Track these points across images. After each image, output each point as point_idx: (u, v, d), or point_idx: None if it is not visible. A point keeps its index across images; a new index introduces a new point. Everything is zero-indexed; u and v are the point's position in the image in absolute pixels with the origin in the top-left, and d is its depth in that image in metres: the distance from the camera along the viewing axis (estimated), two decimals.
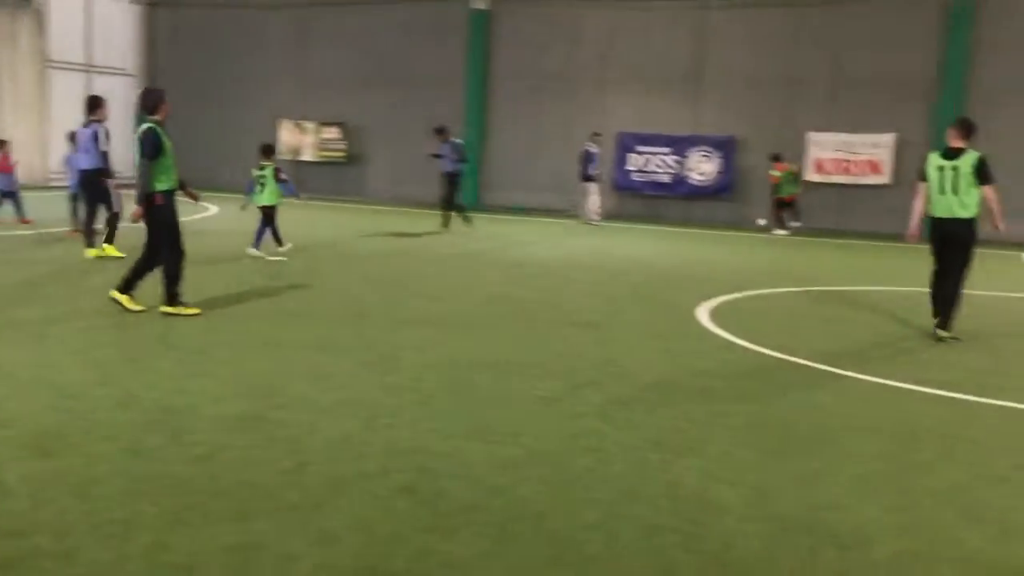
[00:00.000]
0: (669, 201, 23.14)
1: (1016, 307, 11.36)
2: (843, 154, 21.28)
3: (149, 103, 8.77)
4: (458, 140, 18.48)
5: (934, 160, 9.06)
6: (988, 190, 8.83)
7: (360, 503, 4.38)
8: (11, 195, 15.92)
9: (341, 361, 7.20)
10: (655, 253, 16.05)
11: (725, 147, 22.20)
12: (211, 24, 27.95)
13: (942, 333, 9.01)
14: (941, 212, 8.96)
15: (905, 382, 7.23)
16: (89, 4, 26.99)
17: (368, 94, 25.95)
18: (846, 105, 21.28)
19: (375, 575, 3.67)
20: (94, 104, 12.59)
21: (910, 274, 14.23)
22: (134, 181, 8.80)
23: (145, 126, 8.61)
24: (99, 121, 12.43)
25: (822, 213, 21.75)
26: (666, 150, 22.77)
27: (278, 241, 13.37)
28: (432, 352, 7.63)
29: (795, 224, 20.87)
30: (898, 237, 20.06)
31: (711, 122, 22.50)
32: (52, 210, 17.34)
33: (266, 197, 13.29)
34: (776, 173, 20.43)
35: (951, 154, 8.95)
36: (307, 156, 26.48)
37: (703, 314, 9.92)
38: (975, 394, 6.95)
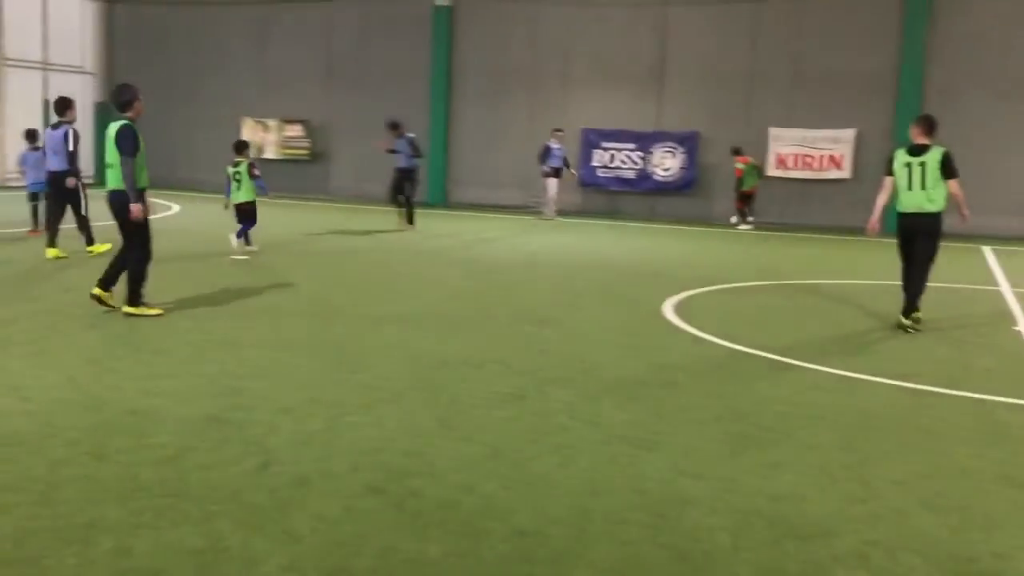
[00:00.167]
0: (633, 197, 23.23)
1: (976, 298, 11.54)
2: (804, 149, 21.48)
3: (122, 100, 8.64)
4: (412, 135, 18.17)
5: (901, 157, 9.24)
6: (954, 184, 9.03)
7: (325, 503, 4.36)
8: None
9: (305, 360, 7.16)
10: (620, 249, 16.12)
11: (688, 142, 22.33)
12: (170, 21, 27.64)
13: (905, 321, 9.18)
14: (910, 207, 9.14)
15: (866, 373, 7.32)
16: (45, 1, 26.57)
17: (331, 91, 25.81)
18: (807, 100, 21.48)
19: (340, 574, 3.66)
20: (64, 105, 12.47)
21: (871, 267, 14.42)
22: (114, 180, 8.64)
23: (121, 123, 8.49)
24: (69, 122, 12.36)
25: (784, 208, 21.94)
26: (630, 146, 22.86)
27: (246, 240, 13.37)
28: (398, 350, 7.61)
29: (750, 219, 21.02)
30: (859, 231, 20.35)
31: (674, 118, 22.61)
32: (9, 210, 17.09)
33: (244, 194, 13.31)
34: (740, 166, 20.58)
35: (917, 150, 9.14)
36: (270, 154, 26.26)
37: (668, 309, 9.98)
38: (935, 385, 7.05)
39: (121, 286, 8.68)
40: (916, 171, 9.06)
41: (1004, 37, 19.91)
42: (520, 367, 7.19)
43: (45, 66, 26.67)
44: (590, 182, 23.35)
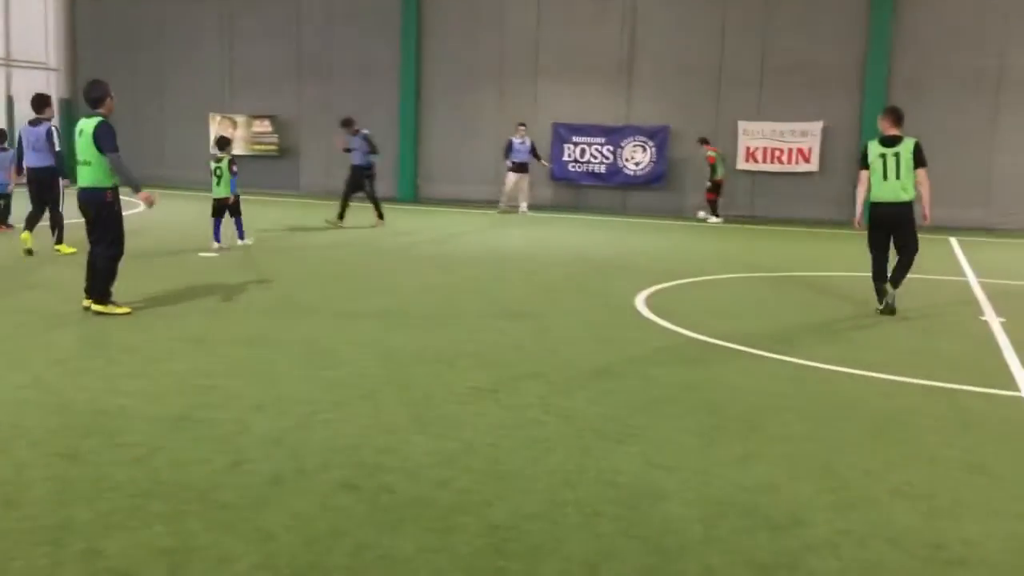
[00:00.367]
0: (604, 191, 23.26)
1: (943, 289, 11.67)
2: (773, 142, 21.61)
3: (94, 96, 8.54)
4: (367, 131, 17.88)
5: (875, 148, 9.52)
6: (923, 172, 9.38)
7: (298, 500, 4.34)
8: None
9: (276, 357, 7.12)
10: (591, 243, 16.15)
11: (658, 136, 22.39)
12: (135, 16, 27.31)
13: (890, 290, 9.57)
14: (887, 197, 9.41)
15: (836, 364, 7.39)
16: None
17: (299, 86, 25.63)
18: (775, 94, 21.59)
19: (314, 572, 3.65)
20: (42, 102, 12.42)
21: (840, 259, 14.55)
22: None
23: (98, 120, 8.38)
24: (47, 119, 12.29)
25: (753, 201, 22.06)
26: (600, 140, 22.88)
27: (215, 238, 13.42)
28: (370, 346, 7.59)
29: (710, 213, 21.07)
30: (827, 223, 20.54)
31: (644, 112, 22.66)
32: None
33: (222, 189, 13.49)
34: (711, 153, 20.62)
35: (889, 142, 9.45)
36: (238, 150, 25.94)
37: (640, 302, 10.01)
38: (904, 374, 7.13)
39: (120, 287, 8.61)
40: (891, 161, 9.35)
41: (969, 30, 20.11)
42: (493, 362, 7.19)
43: (8, 62, 26.29)
44: (561, 176, 23.35)
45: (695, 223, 20.57)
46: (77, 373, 6.49)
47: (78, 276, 8.83)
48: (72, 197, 9.12)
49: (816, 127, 21.15)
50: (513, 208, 21.53)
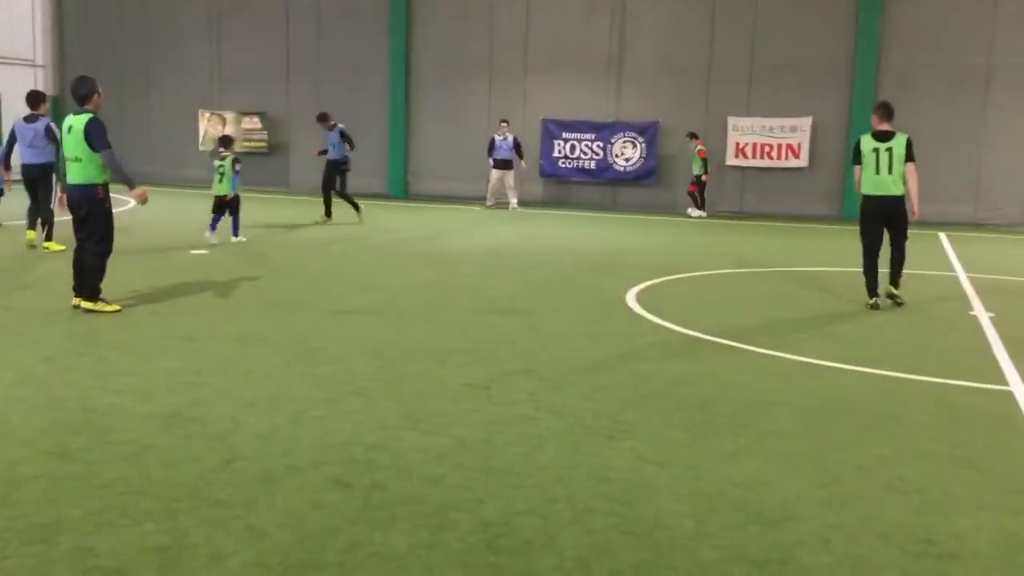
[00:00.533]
0: (594, 187, 23.27)
1: (933, 284, 11.71)
2: (762, 138, 21.64)
3: (81, 93, 8.50)
4: (342, 126, 17.69)
5: (868, 143, 9.77)
6: (912, 167, 9.67)
7: (290, 498, 4.33)
8: None
9: (268, 354, 7.10)
10: (582, 239, 16.15)
11: (648, 132, 22.40)
12: (123, 12, 27.19)
13: (895, 291, 9.92)
14: (879, 191, 9.69)
15: (827, 360, 7.41)
16: None
17: (288, 83, 25.56)
18: (764, 90, 21.62)
19: (306, 569, 3.64)
20: (37, 99, 12.41)
21: (830, 255, 14.59)
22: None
23: (88, 117, 8.35)
24: (43, 116, 12.27)
25: (743, 197, 22.10)
26: (590, 136, 22.89)
27: (212, 227, 13.70)
28: (360, 343, 7.58)
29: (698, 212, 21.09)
30: (817, 219, 20.59)
31: (633, 108, 22.67)
32: None
33: (224, 186, 13.77)
34: (702, 147, 20.61)
35: (882, 136, 9.72)
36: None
37: (631, 298, 10.02)
38: (895, 370, 7.15)
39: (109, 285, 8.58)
40: (884, 156, 9.63)
41: (957, 26, 20.18)
42: (484, 358, 7.18)
43: None
44: (551, 173, 23.36)
45: (685, 219, 20.57)
46: (67, 371, 6.46)
47: (68, 274, 8.79)
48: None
49: (805, 123, 21.19)
50: (503, 204, 21.53)
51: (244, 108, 25.82)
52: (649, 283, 11.12)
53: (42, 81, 27.13)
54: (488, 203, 21.74)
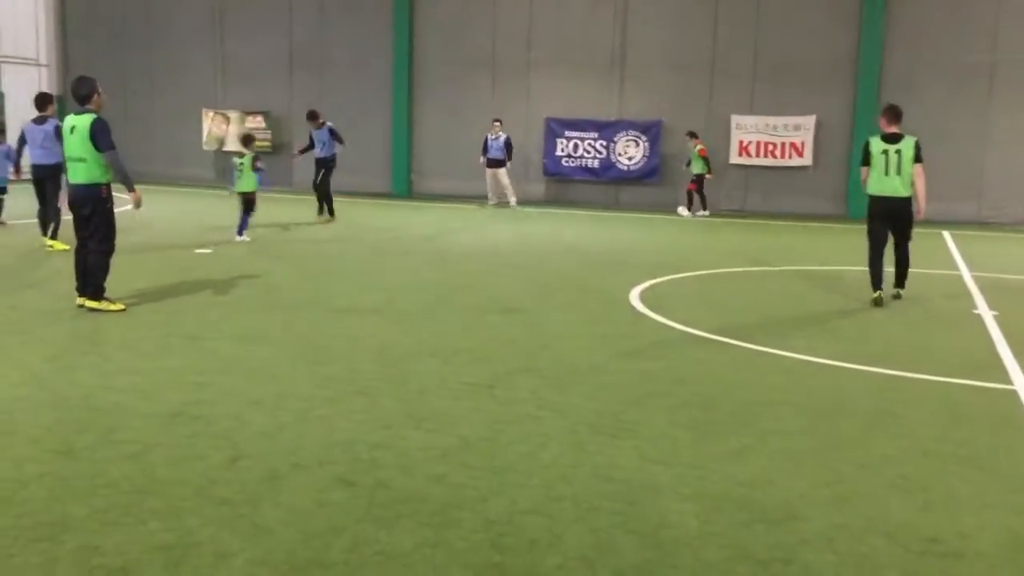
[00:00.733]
0: (597, 186, 23.26)
1: (936, 282, 11.69)
2: (766, 136, 21.62)
3: (82, 93, 8.51)
4: (331, 124, 17.69)
5: (877, 144, 9.97)
6: (919, 168, 9.85)
7: (295, 496, 4.34)
8: None
9: (271, 353, 7.11)
10: (585, 238, 16.15)
11: (651, 131, 22.39)
12: (126, 11, 27.20)
13: (901, 292, 10.17)
14: (887, 191, 9.84)
15: (831, 358, 7.40)
16: None
17: (291, 81, 25.57)
18: (768, 88, 21.59)
19: (311, 568, 3.65)
20: (45, 100, 12.57)
21: (832, 253, 14.58)
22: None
23: (92, 117, 8.37)
24: (51, 116, 12.41)
25: (746, 195, 22.09)
26: (593, 135, 22.87)
27: (239, 230, 14.02)
28: (364, 341, 7.59)
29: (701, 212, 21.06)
30: (820, 218, 20.58)
31: (636, 106, 22.65)
32: None
33: (244, 184, 14.03)
34: (702, 146, 20.56)
35: (891, 139, 9.88)
36: (231, 146, 25.98)
37: (634, 297, 10.02)
38: (898, 368, 7.15)
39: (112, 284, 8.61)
40: (893, 158, 9.77)
41: (960, 24, 20.15)
42: (488, 357, 7.19)
43: None
44: (554, 172, 23.35)
45: (689, 218, 20.54)
46: (72, 370, 6.48)
47: (72, 273, 8.79)
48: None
49: (809, 121, 21.17)
50: (506, 203, 21.54)
51: (247, 107, 25.83)
52: (652, 282, 11.12)
53: (46, 81, 27.16)
54: (490, 202, 21.78)
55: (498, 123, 21.50)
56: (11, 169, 13.93)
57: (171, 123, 26.84)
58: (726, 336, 8.11)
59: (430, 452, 4.99)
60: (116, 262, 8.79)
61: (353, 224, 16.97)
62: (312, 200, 18.02)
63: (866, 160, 9.99)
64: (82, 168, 8.35)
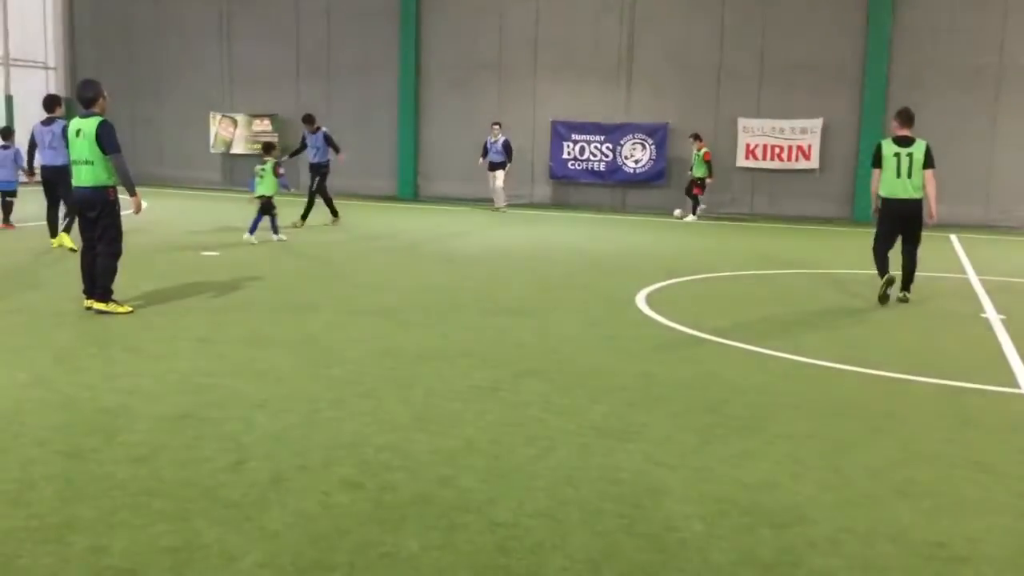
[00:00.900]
0: (604, 189, 23.27)
1: (944, 286, 11.68)
2: (773, 139, 21.60)
3: (86, 96, 8.55)
4: (326, 129, 17.59)
5: (889, 147, 10.12)
6: (931, 173, 10.02)
7: (302, 498, 4.35)
8: None
9: (279, 355, 7.13)
10: (592, 241, 16.15)
11: (658, 134, 22.39)
12: (134, 15, 27.30)
13: (908, 295, 10.21)
14: (899, 194, 10.03)
15: (837, 362, 7.39)
16: None
17: (298, 85, 25.63)
18: (774, 91, 21.58)
19: (317, 570, 3.66)
20: (54, 102, 12.75)
21: (839, 256, 14.56)
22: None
23: (99, 120, 8.41)
24: (60, 118, 12.56)
25: (753, 198, 22.07)
26: (600, 138, 22.88)
27: (275, 229, 14.37)
28: (371, 344, 7.60)
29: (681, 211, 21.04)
30: (827, 221, 20.56)
31: (643, 109, 22.65)
32: None
33: (264, 188, 14.34)
34: (707, 149, 20.51)
35: (903, 142, 10.06)
36: (239, 149, 26.08)
37: (641, 300, 10.02)
38: (905, 372, 7.14)
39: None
40: (904, 161, 9.96)
41: (967, 27, 20.11)
42: (494, 360, 7.19)
43: (6, 61, 26.29)
44: (560, 175, 23.37)
45: (694, 221, 20.51)
46: (80, 372, 6.50)
47: (79, 275, 8.82)
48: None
49: (816, 124, 21.15)
50: (513, 204, 21.56)
51: (254, 110, 25.90)
52: (658, 285, 11.12)
53: (53, 83, 27.27)
54: (500, 205, 21.77)
55: (497, 126, 21.51)
56: (20, 172, 14.11)
57: (178, 126, 26.92)
58: (732, 339, 8.11)
59: (436, 454, 5.00)
60: (123, 264, 8.81)
61: (360, 227, 16.99)
62: (324, 206, 17.96)
63: (877, 162, 10.14)
64: (89, 170, 8.39)
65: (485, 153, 21.58)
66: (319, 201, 17.09)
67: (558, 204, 23.25)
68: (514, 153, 21.63)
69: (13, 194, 14.88)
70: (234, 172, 26.48)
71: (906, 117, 10.17)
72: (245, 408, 5.73)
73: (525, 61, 23.47)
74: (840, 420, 5.89)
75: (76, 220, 12.37)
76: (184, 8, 26.70)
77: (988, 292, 11.20)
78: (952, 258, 14.69)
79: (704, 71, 22.08)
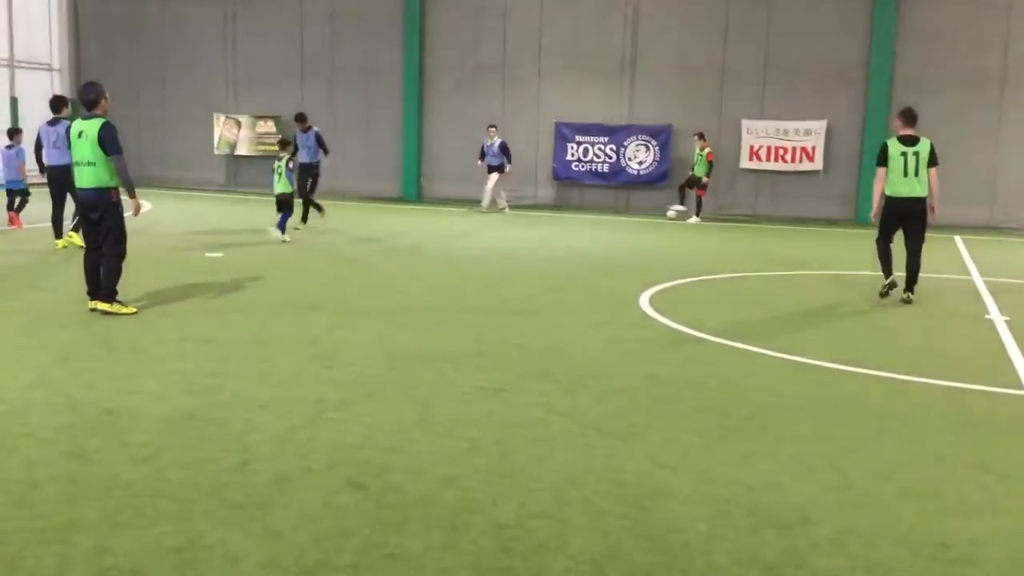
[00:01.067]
0: (607, 190, 23.26)
1: (948, 287, 11.66)
2: (776, 141, 21.58)
3: (89, 98, 8.57)
4: (318, 129, 17.38)
5: (896, 147, 10.27)
6: (935, 171, 10.29)
7: (305, 499, 4.35)
8: None
9: (283, 356, 7.13)
10: (595, 242, 16.15)
11: (661, 136, 22.37)
12: (138, 17, 27.32)
13: (911, 295, 10.28)
14: (906, 192, 10.20)
15: (841, 363, 7.38)
16: None
17: (302, 86, 25.63)
18: (778, 93, 21.56)
19: (321, 570, 3.66)
20: (60, 103, 12.82)
21: (843, 258, 14.54)
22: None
23: (101, 121, 8.43)
24: (66, 119, 12.63)
25: (756, 200, 22.05)
26: (603, 139, 22.88)
27: (279, 230, 14.46)
28: (375, 345, 7.60)
29: (680, 208, 21.02)
30: (831, 222, 20.54)
31: (646, 111, 22.64)
32: None
33: (280, 186, 14.61)
34: (711, 149, 20.48)
35: (908, 141, 10.25)
36: (242, 150, 26.10)
37: (644, 301, 10.02)
38: (910, 373, 7.13)
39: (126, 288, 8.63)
40: (911, 160, 10.16)
41: (971, 28, 20.08)
42: (498, 361, 7.20)
43: (11, 63, 26.33)
44: (564, 176, 23.35)
45: (698, 223, 20.50)
46: (84, 372, 6.51)
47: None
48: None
49: (820, 125, 21.12)
50: (515, 205, 21.55)
51: (258, 112, 25.92)
52: (662, 286, 11.11)
53: (58, 85, 27.31)
54: (500, 206, 21.78)
55: (494, 128, 21.50)
56: (20, 168, 14.37)
57: (183, 127, 26.94)
58: (736, 340, 8.10)
59: (440, 455, 5.00)
60: (127, 266, 8.83)
61: (364, 228, 17.00)
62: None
63: (883, 161, 10.29)
64: (91, 172, 8.41)
65: (483, 156, 21.57)
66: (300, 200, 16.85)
67: (562, 205, 23.25)
68: (517, 155, 21.63)
69: (25, 192, 15.06)
70: (238, 174, 26.52)
71: (909, 117, 10.38)
72: (249, 409, 5.74)
73: (529, 62, 23.47)
74: (844, 421, 5.88)
75: None
76: (188, 10, 26.72)
77: (992, 293, 11.19)
78: (956, 259, 14.67)
79: (708, 73, 22.06)
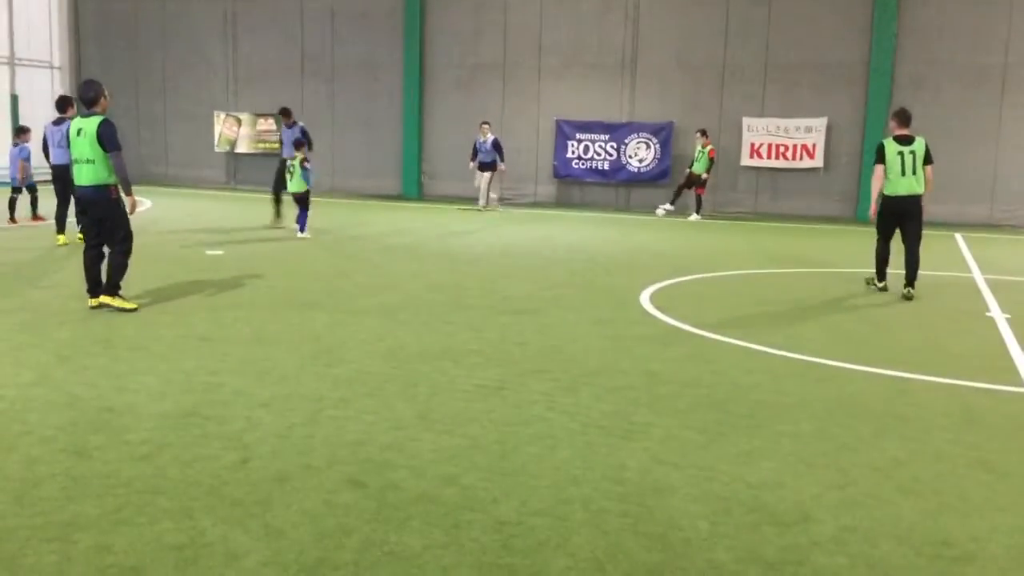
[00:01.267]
0: (608, 188, 23.26)
1: (949, 285, 11.66)
2: (777, 139, 21.57)
3: (88, 96, 8.58)
4: (303, 123, 17.11)
5: (892, 146, 10.51)
6: (930, 169, 10.53)
7: (305, 497, 4.35)
8: None
9: (283, 354, 7.13)
10: (596, 240, 16.14)
11: (662, 133, 22.37)
12: (139, 15, 27.33)
13: (912, 291, 10.41)
14: (903, 191, 10.45)
15: (842, 361, 7.38)
16: None
17: (303, 84, 25.64)
18: (779, 90, 21.55)
19: (322, 568, 3.66)
20: (65, 103, 12.91)
21: (844, 255, 14.54)
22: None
23: (100, 119, 8.45)
24: (72, 118, 12.66)
25: (756, 197, 22.04)
26: (604, 137, 22.87)
27: (301, 228, 14.86)
28: (375, 343, 7.60)
29: (669, 208, 21.03)
30: (832, 220, 20.53)
31: (647, 108, 22.63)
32: None
33: (295, 185, 14.86)
34: (712, 148, 20.47)
35: (905, 140, 10.49)
36: (243, 148, 26.10)
37: (645, 299, 10.02)
38: (910, 371, 7.13)
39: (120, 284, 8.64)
40: (908, 159, 10.39)
41: (973, 26, 20.07)
42: (498, 358, 7.19)
43: (11, 61, 26.32)
44: (564, 174, 23.34)
45: (698, 220, 20.50)
46: (84, 370, 6.51)
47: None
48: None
49: (821, 123, 21.11)
50: (515, 204, 21.51)
51: (259, 110, 25.92)
52: (663, 283, 11.11)
53: (59, 83, 27.30)
54: (483, 205, 21.58)
55: (487, 125, 21.46)
56: (21, 166, 14.46)
57: (183, 125, 26.95)
58: (737, 338, 8.10)
59: (440, 453, 5.00)
60: (128, 263, 8.83)
61: (364, 226, 16.99)
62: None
63: (879, 159, 10.49)
64: (90, 170, 8.42)
65: (475, 154, 21.46)
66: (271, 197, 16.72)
67: (562, 203, 23.24)
68: (518, 152, 21.62)
69: (33, 189, 15.12)
70: (238, 171, 26.52)
71: (904, 117, 10.61)
72: (249, 407, 5.74)
73: (529, 60, 23.45)
74: (845, 419, 5.88)
75: None
76: (189, 8, 26.71)
77: (993, 291, 11.19)
78: (957, 257, 14.66)
79: (708, 70, 22.05)
